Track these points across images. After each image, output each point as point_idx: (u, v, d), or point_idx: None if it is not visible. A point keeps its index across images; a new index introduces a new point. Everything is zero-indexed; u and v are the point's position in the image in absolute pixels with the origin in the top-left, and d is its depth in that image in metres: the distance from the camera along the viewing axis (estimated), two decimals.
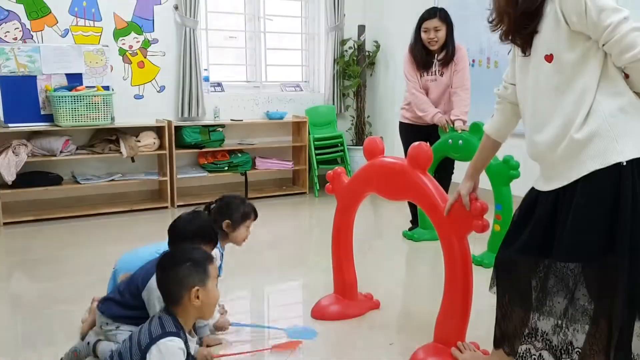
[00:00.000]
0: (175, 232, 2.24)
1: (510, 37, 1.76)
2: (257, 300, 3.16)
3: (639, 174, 1.59)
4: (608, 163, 1.60)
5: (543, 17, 1.67)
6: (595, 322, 1.72)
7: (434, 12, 3.70)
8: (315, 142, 5.65)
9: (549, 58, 1.68)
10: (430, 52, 3.78)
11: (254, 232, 4.44)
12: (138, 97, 5.12)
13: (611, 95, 1.63)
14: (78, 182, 4.77)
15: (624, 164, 1.58)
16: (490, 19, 1.79)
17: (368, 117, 6.17)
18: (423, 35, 3.71)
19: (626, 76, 1.65)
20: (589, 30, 1.60)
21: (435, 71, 3.82)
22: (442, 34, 3.70)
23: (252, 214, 2.60)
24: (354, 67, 5.92)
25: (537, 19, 1.68)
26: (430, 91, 3.87)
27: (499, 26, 1.78)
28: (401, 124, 4.09)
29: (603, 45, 1.60)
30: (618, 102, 1.63)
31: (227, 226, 2.52)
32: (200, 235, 2.20)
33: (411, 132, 3.96)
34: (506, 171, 3.38)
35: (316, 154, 5.64)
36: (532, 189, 1.85)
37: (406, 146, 3.90)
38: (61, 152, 4.57)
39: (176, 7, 5.10)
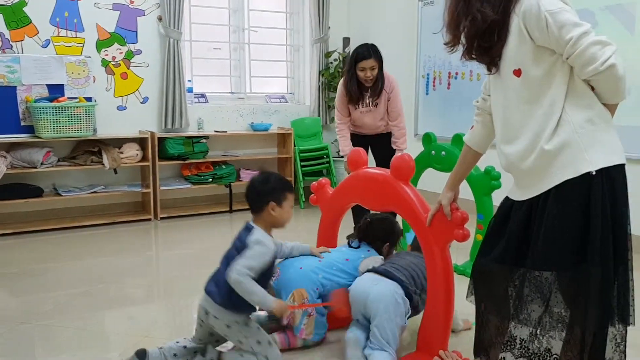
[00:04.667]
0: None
1: (472, 57, 1.77)
2: None
3: (608, 183, 1.62)
4: (578, 173, 1.62)
5: (510, 32, 1.68)
6: (569, 329, 1.73)
7: (369, 53, 3.82)
8: (301, 154, 5.65)
9: (518, 73, 1.70)
10: (363, 87, 3.92)
11: None
12: (121, 108, 5.09)
13: (579, 107, 1.65)
14: (59, 194, 4.71)
15: (594, 173, 1.61)
16: (445, 42, 1.80)
17: None
18: (359, 73, 3.83)
19: (592, 88, 1.67)
20: (552, 45, 1.62)
21: (368, 103, 3.97)
22: (376, 71, 3.86)
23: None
24: (339, 79, 5.92)
25: (493, 39, 1.69)
26: (366, 121, 4.02)
27: (454, 48, 1.79)
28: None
29: (567, 59, 1.62)
30: (586, 113, 1.65)
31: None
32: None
33: (354, 140, 4.07)
34: (487, 182, 3.40)
35: (302, 166, 5.64)
36: (507, 198, 1.86)
37: None
38: (42, 163, 4.52)
39: (160, 19, 5.09)
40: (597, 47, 1.56)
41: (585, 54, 1.57)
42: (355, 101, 3.94)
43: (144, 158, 4.98)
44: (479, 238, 3.48)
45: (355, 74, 3.85)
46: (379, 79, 3.91)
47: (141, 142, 5.00)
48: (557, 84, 1.66)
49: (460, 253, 3.47)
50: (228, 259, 2.20)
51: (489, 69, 1.79)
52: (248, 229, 2.21)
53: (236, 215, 5.27)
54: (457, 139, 3.62)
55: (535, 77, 1.67)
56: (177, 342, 2.30)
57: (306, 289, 2.38)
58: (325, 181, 2.70)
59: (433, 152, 3.75)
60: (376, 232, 2.64)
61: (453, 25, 1.75)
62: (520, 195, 1.77)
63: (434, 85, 5.53)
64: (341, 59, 6.01)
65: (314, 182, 2.72)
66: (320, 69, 5.96)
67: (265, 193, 2.19)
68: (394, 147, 4.04)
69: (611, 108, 1.70)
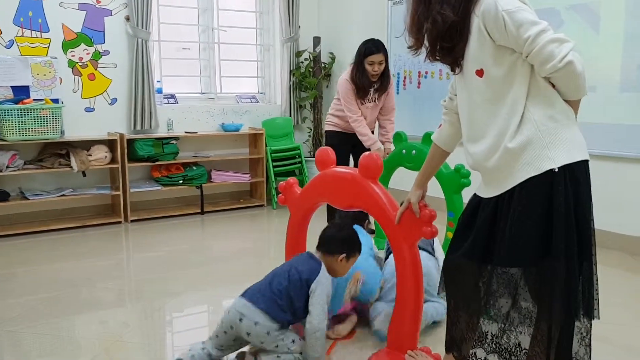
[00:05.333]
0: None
1: (436, 59, 1.80)
2: (215, 313, 3.11)
3: (571, 180, 1.65)
4: (541, 170, 1.65)
5: (471, 33, 1.70)
6: (536, 324, 1.76)
7: (377, 47, 3.90)
8: (273, 154, 5.64)
9: (480, 73, 1.72)
10: (371, 82, 4.00)
11: (212, 245, 4.45)
12: (89, 109, 5.01)
13: (541, 104, 1.68)
14: (26, 198, 4.62)
15: (556, 170, 1.64)
16: (408, 45, 1.82)
17: None
18: (368, 67, 3.91)
19: (554, 85, 1.70)
20: (512, 44, 1.65)
21: (373, 98, 4.06)
22: (383, 66, 3.95)
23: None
24: (310, 78, 5.94)
25: (455, 39, 1.72)
26: (367, 116, 4.10)
27: (418, 51, 1.82)
28: (332, 132, 4.21)
29: (526, 57, 1.65)
30: (548, 111, 1.68)
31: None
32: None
33: (340, 138, 4.14)
34: (457, 179, 3.44)
35: (273, 166, 5.62)
36: (475, 195, 1.89)
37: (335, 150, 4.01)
38: (7, 167, 4.42)
39: (127, 19, 5.02)
40: (555, 44, 1.59)
41: (543, 52, 1.59)
42: (363, 95, 4.00)
43: (113, 160, 4.91)
44: (450, 235, 3.52)
45: (364, 69, 3.91)
46: (385, 74, 4.01)
47: (110, 144, 4.93)
48: (518, 83, 1.68)
49: None
50: (276, 277, 2.28)
51: (453, 70, 1.82)
52: (315, 263, 2.28)
53: (207, 217, 5.23)
54: (428, 137, 3.65)
55: (497, 77, 1.70)
56: (203, 349, 2.24)
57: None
58: (294, 181, 2.69)
59: (404, 150, 3.79)
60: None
61: (415, 29, 1.78)
62: (487, 192, 1.80)
63: (404, 85, 5.57)
64: (312, 58, 6.01)
65: (281, 182, 2.72)
66: (291, 68, 5.95)
67: (346, 243, 2.36)
68: (384, 139, 4.12)
69: (574, 104, 1.73)
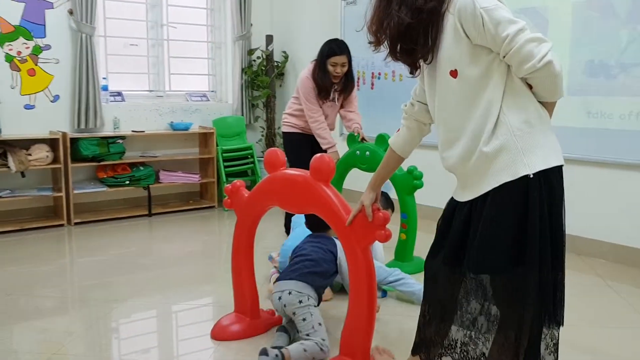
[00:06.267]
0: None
1: (397, 58, 1.75)
2: (164, 319, 3.00)
3: (546, 185, 1.63)
4: (516, 176, 1.62)
5: (444, 32, 1.65)
6: (503, 332, 1.73)
7: (341, 49, 3.88)
8: (224, 154, 5.52)
9: (454, 74, 1.67)
10: (332, 83, 3.95)
11: (160, 248, 4.32)
12: (29, 107, 4.77)
13: (517, 107, 1.64)
14: None
15: (531, 176, 1.61)
16: (369, 41, 1.77)
17: (279, 128, 6.11)
18: (330, 68, 3.86)
19: (530, 87, 1.67)
20: (489, 44, 1.60)
21: (334, 98, 4.01)
22: (346, 68, 3.92)
23: None
24: (263, 77, 5.86)
25: (416, 41, 1.67)
26: (329, 115, 4.07)
27: (377, 49, 1.76)
28: (291, 134, 4.11)
29: (503, 57, 1.61)
30: (524, 114, 1.64)
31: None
32: None
33: (300, 140, 4.08)
34: (410, 181, 3.44)
35: (225, 166, 5.51)
36: (451, 198, 1.86)
37: (296, 155, 3.96)
38: None
39: (71, 12, 4.81)
40: (534, 44, 1.55)
41: (522, 52, 1.55)
42: (325, 95, 3.94)
43: (55, 160, 4.69)
44: (403, 237, 3.52)
45: (327, 69, 3.86)
46: (350, 76, 3.98)
47: (52, 143, 4.71)
48: (494, 84, 1.64)
49: (386, 252, 3.49)
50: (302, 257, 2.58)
51: (412, 72, 1.77)
52: (333, 243, 2.67)
53: (155, 219, 5.08)
54: (381, 139, 3.65)
55: (471, 78, 1.64)
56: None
57: None
58: (240, 183, 2.60)
59: (357, 152, 3.78)
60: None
61: (374, 27, 1.72)
62: (462, 196, 1.78)
63: (358, 85, 5.55)
64: (264, 56, 5.93)
65: (227, 185, 2.63)
66: (243, 66, 5.86)
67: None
68: (355, 126, 4.02)
69: (549, 107, 1.70)
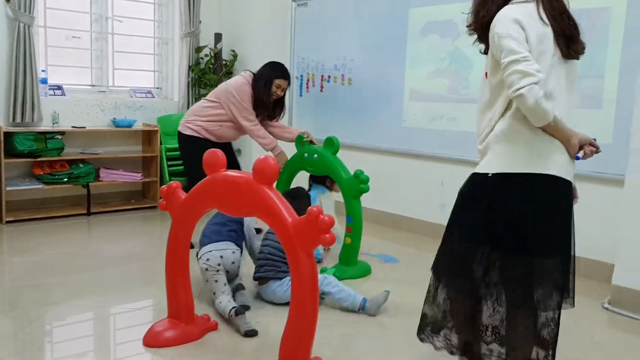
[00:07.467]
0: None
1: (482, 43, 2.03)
2: (100, 323, 2.89)
3: (504, 186, 1.91)
4: (481, 170, 1.96)
5: None
6: (531, 312, 1.96)
7: (288, 75, 3.96)
8: (168, 153, 5.39)
9: (485, 75, 2.00)
10: (270, 102, 3.96)
11: (99, 249, 4.17)
12: None
13: (507, 118, 1.92)
14: None
15: (489, 175, 1.92)
16: (467, 24, 2.05)
17: None
18: (273, 88, 3.89)
19: None
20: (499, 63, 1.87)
21: (259, 117, 3.98)
22: (284, 93, 4.00)
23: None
24: (210, 75, 5.75)
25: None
26: (235, 134, 4.08)
27: (474, 32, 2.04)
28: (197, 138, 3.96)
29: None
30: (508, 125, 1.91)
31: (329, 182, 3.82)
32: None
33: (206, 147, 3.93)
34: (357, 185, 3.44)
35: (168, 165, 5.38)
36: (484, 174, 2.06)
37: (196, 159, 3.86)
38: None
39: (7, 0, 4.59)
40: (517, 75, 1.78)
41: (507, 80, 1.81)
42: (264, 110, 3.95)
43: None
44: (348, 241, 3.52)
45: (270, 87, 3.88)
46: (282, 102, 4.07)
47: None
48: (503, 96, 1.90)
49: (330, 256, 3.50)
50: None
51: (484, 51, 2.05)
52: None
53: (95, 218, 4.90)
54: (330, 142, 3.65)
55: (492, 84, 1.95)
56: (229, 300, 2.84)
57: None
58: (177, 184, 2.51)
59: (306, 154, 3.76)
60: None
61: (474, 12, 2.01)
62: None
63: (307, 87, 5.55)
64: (212, 54, 5.83)
65: (163, 186, 2.54)
66: (191, 64, 5.74)
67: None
68: (286, 132, 4.08)
69: (546, 128, 1.87)
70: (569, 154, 1.91)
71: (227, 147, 4.05)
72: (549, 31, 1.89)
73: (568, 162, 1.92)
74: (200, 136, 3.95)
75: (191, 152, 3.88)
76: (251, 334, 2.61)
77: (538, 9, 1.90)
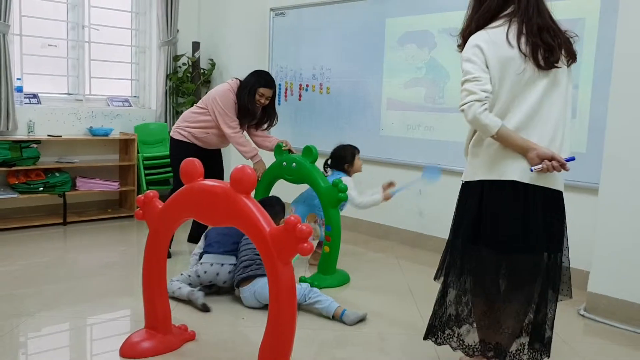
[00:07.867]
0: None
1: None
2: (76, 334, 2.85)
3: (476, 192, 2.13)
4: (464, 178, 2.22)
5: None
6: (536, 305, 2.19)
7: (272, 84, 3.97)
8: (145, 162, 5.36)
9: None
10: (255, 111, 4.00)
11: (75, 259, 4.11)
12: None
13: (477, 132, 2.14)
14: None
15: (463, 182, 2.21)
16: (458, 44, 2.19)
17: None
18: (257, 96, 3.91)
19: None
20: None
21: (244, 126, 4.04)
22: (268, 102, 4.00)
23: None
24: (188, 84, 5.74)
25: None
26: (220, 140, 4.11)
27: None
28: (187, 143, 4.04)
29: None
30: (474, 138, 2.16)
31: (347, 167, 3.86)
32: None
33: (197, 153, 3.88)
34: (335, 194, 3.46)
35: (146, 174, 5.35)
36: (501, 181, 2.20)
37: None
38: None
39: None
40: (464, 93, 2.03)
41: (460, 95, 2.06)
42: (250, 119, 3.98)
43: None
44: (327, 250, 3.52)
45: (254, 96, 3.90)
46: (271, 111, 4.07)
47: None
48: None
49: (309, 265, 3.50)
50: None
51: None
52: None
53: (71, 228, 4.84)
54: (308, 150, 3.65)
55: None
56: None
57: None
58: (153, 194, 2.50)
59: (284, 163, 3.75)
60: (339, 158, 3.87)
61: (463, 35, 2.19)
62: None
63: (285, 96, 5.57)
64: (190, 63, 5.82)
65: (139, 196, 2.54)
66: (168, 72, 5.72)
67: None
68: (268, 141, 4.11)
69: (499, 140, 2.04)
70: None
71: (215, 154, 4.15)
72: (514, 53, 2.00)
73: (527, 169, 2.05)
74: (189, 141, 4.02)
75: (179, 157, 3.87)
76: (206, 309, 2.99)
77: (507, 32, 2.03)
